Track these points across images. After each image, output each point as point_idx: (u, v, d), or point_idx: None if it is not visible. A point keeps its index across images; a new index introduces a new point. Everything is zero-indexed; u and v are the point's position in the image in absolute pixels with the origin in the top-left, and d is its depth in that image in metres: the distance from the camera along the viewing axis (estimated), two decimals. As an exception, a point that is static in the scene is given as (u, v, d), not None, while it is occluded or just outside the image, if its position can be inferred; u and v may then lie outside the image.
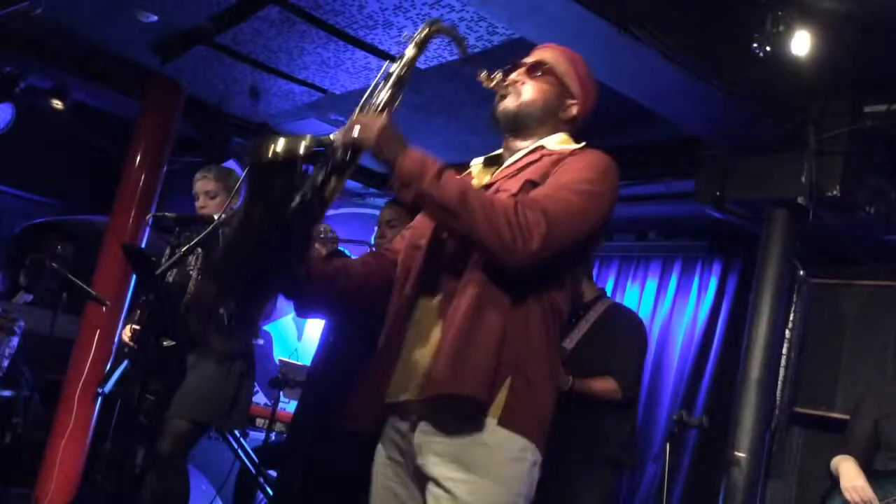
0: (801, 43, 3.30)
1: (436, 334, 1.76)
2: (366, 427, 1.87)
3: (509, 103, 1.98)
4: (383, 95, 1.83)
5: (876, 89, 3.85)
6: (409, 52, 1.90)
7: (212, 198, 3.70)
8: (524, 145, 1.97)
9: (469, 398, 1.67)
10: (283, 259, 1.74)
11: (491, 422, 1.70)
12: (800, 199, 3.95)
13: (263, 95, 5.28)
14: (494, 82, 1.99)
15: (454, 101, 4.70)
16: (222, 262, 1.81)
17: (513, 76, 2.00)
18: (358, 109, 1.82)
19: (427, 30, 1.93)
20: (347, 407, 1.90)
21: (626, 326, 3.87)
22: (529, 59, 2.03)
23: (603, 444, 3.66)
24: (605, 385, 3.66)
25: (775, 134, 3.93)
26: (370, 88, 1.84)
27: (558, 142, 1.97)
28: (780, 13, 3.22)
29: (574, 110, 2.03)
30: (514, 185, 1.83)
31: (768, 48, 3.23)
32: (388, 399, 1.80)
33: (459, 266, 1.79)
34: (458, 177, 1.76)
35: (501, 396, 1.70)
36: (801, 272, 4.92)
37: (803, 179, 3.92)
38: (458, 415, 1.71)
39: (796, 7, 3.30)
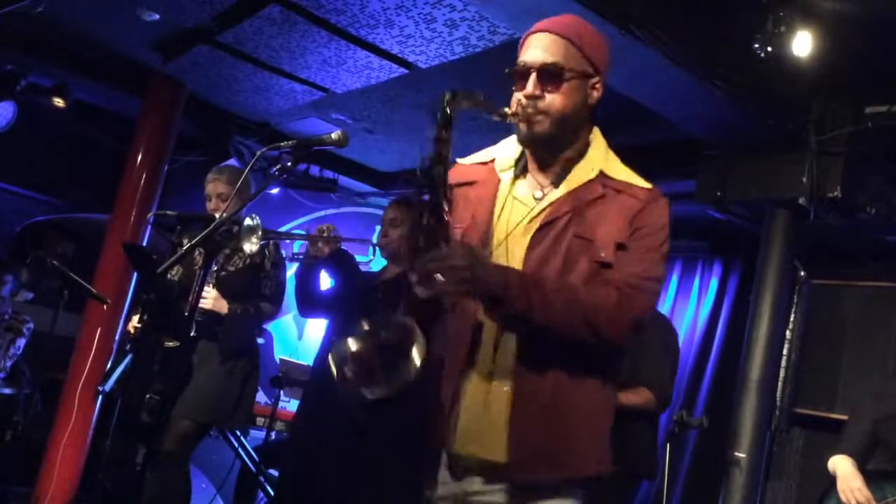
0: (803, 44, 3.31)
1: (533, 398, 1.70)
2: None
3: (541, 128, 1.77)
4: (433, 212, 1.63)
5: (877, 90, 3.85)
6: (440, 147, 1.71)
7: (224, 200, 3.67)
8: (567, 158, 1.82)
9: (600, 478, 1.76)
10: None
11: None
12: (801, 200, 3.95)
13: (265, 94, 5.28)
14: (513, 111, 1.78)
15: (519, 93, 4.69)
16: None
17: (530, 91, 1.77)
18: (409, 238, 1.67)
19: (446, 109, 1.74)
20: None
21: (658, 333, 3.75)
22: (536, 61, 1.78)
23: (623, 453, 3.56)
24: (640, 398, 3.53)
25: (776, 134, 3.94)
26: (416, 213, 1.66)
27: (608, 157, 1.85)
28: (781, 14, 3.22)
29: (598, 88, 1.83)
30: (591, 231, 1.74)
31: (769, 49, 3.23)
32: (479, 454, 1.72)
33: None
34: (559, 292, 1.67)
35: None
36: (802, 273, 4.93)
37: (804, 180, 3.92)
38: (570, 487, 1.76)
39: (797, 8, 3.31)
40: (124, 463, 4.64)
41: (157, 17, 4.40)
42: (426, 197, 1.64)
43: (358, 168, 6.55)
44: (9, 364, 5.15)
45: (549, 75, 1.76)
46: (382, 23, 3.93)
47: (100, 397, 4.84)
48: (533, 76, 1.77)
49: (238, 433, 4.75)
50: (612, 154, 1.88)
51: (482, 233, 1.80)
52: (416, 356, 1.58)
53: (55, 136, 6.17)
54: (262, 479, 4.56)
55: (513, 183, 1.86)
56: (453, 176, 1.93)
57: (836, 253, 4.90)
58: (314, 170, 6.59)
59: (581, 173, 1.81)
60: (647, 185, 1.83)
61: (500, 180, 1.87)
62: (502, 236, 1.79)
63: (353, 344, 1.65)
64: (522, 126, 1.78)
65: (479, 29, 3.75)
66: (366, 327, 1.66)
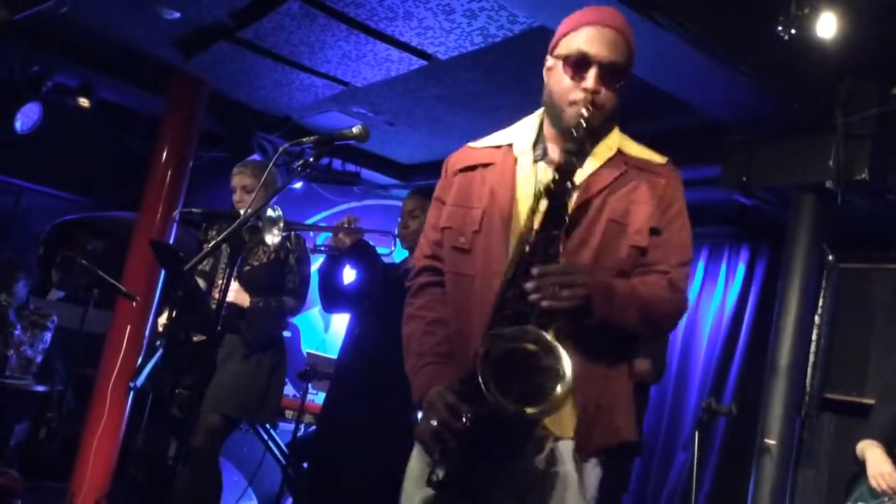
0: (827, 25, 3.26)
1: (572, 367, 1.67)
2: None
3: (596, 122, 1.76)
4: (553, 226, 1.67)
5: (904, 70, 3.79)
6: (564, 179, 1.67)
7: (248, 192, 3.74)
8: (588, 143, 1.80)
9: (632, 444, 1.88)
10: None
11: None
12: (828, 184, 3.90)
13: (286, 89, 5.30)
14: (587, 116, 1.74)
15: (475, 91, 4.69)
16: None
17: (592, 85, 1.77)
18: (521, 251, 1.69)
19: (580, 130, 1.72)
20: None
21: None
22: (601, 56, 1.77)
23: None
24: (642, 366, 3.57)
25: (802, 118, 3.89)
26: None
27: (625, 140, 1.89)
28: (805, -5, 3.18)
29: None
30: (622, 214, 1.77)
31: (793, 31, 3.18)
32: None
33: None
34: (622, 293, 1.73)
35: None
36: (830, 257, 4.87)
37: (831, 163, 3.87)
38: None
39: (822, -12, 3.26)
40: (156, 457, 4.70)
41: (177, 15, 4.43)
42: (548, 204, 1.67)
43: (380, 160, 6.57)
44: (39, 359, 5.22)
45: (612, 74, 1.79)
46: (401, 15, 3.93)
47: (131, 393, 4.91)
48: (594, 70, 1.78)
49: (268, 426, 4.79)
50: (625, 136, 1.92)
51: (504, 215, 1.81)
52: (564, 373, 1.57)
53: (81, 136, 6.24)
54: (290, 471, 4.59)
55: (534, 165, 1.87)
56: (462, 158, 1.99)
57: (865, 236, 4.83)
58: (336, 163, 6.62)
59: (600, 153, 1.84)
60: (663, 160, 1.89)
61: (516, 162, 1.88)
62: (531, 221, 1.74)
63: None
64: (572, 118, 1.76)
65: (497, 18, 3.74)
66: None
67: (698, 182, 5.05)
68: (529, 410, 1.56)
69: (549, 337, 1.59)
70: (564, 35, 1.86)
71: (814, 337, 4.76)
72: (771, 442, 3.96)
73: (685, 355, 5.63)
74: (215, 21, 4.47)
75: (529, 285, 1.62)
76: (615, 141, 1.87)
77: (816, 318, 4.78)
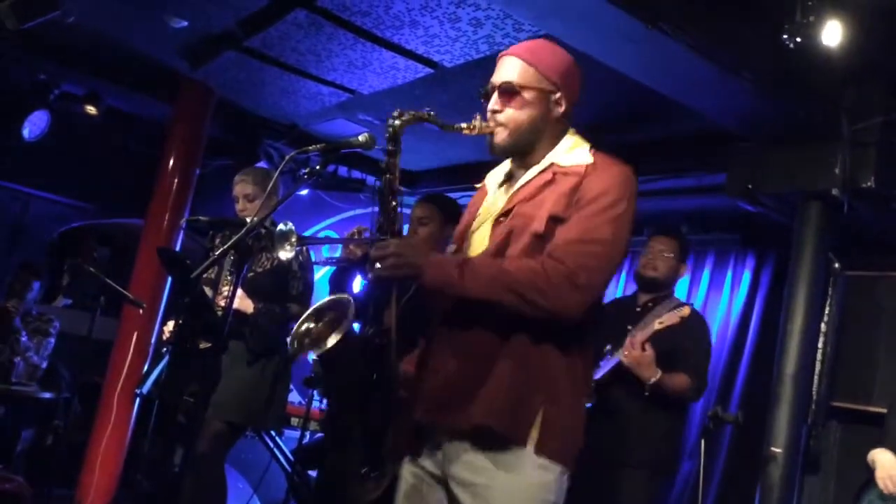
0: (832, 32, 3.26)
1: (458, 363, 1.87)
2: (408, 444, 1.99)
3: (499, 139, 1.98)
4: (385, 214, 1.95)
5: (910, 78, 3.79)
6: (389, 159, 1.99)
7: (250, 200, 3.76)
8: (533, 162, 1.98)
9: (499, 434, 1.79)
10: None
11: (529, 448, 1.80)
12: (834, 191, 3.90)
13: (292, 97, 5.32)
14: (477, 129, 1.99)
15: (480, 98, 4.69)
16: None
17: (491, 106, 1.99)
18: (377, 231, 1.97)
19: (393, 128, 2.02)
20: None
21: (700, 331, 3.69)
22: (497, 81, 2.00)
23: (649, 447, 3.48)
24: (681, 381, 3.47)
25: (807, 125, 3.89)
26: (377, 211, 1.99)
27: (567, 150, 1.97)
28: (809, 3, 3.18)
29: (563, 103, 1.99)
30: (534, 212, 1.88)
31: (798, 38, 3.18)
32: (426, 420, 1.91)
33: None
34: (480, 266, 1.82)
35: (535, 430, 1.81)
36: (836, 264, 4.86)
37: (837, 171, 3.87)
38: (490, 441, 1.81)
39: (826, -4, 3.26)
40: (162, 464, 4.71)
41: (185, 24, 4.45)
42: (383, 200, 1.97)
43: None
44: (45, 364, 5.24)
45: (507, 92, 1.97)
46: (407, 23, 3.94)
47: (137, 399, 4.92)
48: (495, 94, 2.00)
49: (273, 433, 4.79)
50: (578, 150, 1.99)
51: (464, 237, 2.05)
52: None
53: (88, 144, 6.27)
54: (296, 479, 4.59)
55: (499, 188, 2.08)
56: (475, 197, 2.20)
57: (871, 244, 4.82)
58: (342, 170, 6.63)
59: (535, 169, 1.98)
60: (590, 161, 1.94)
61: (486, 192, 2.10)
62: (474, 234, 2.02)
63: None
64: (488, 138, 1.99)
65: (503, 27, 3.75)
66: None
67: (704, 189, 5.06)
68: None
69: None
70: None
71: (820, 345, 4.75)
72: (777, 450, 3.95)
73: (691, 363, 5.62)
74: (222, 30, 4.49)
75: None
76: (553, 156, 1.97)
77: (823, 326, 4.77)
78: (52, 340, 5.32)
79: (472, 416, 1.79)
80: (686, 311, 3.51)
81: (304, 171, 2.44)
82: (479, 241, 1.98)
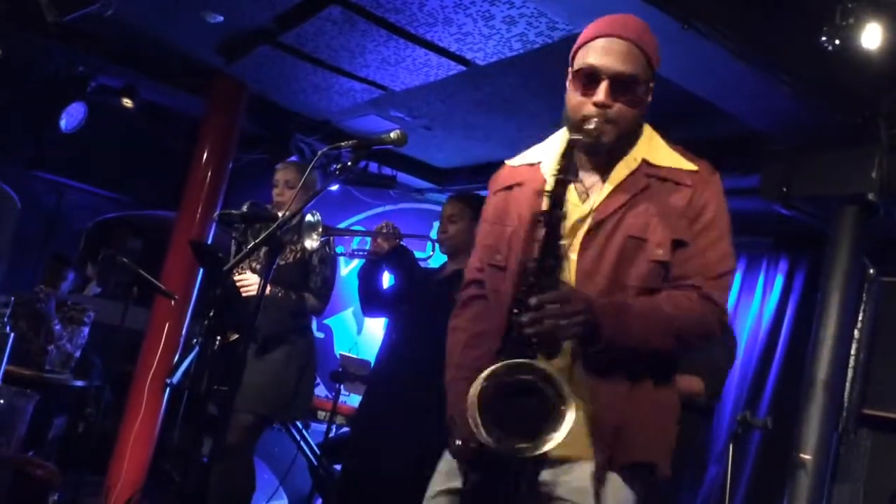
0: (872, 36, 3.21)
1: (590, 389, 1.72)
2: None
3: (606, 138, 1.75)
4: (551, 251, 1.68)
5: (950, 82, 3.72)
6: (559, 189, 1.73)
7: (290, 187, 3.80)
8: (612, 158, 1.80)
9: (659, 469, 1.76)
10: None
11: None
12: (870, 196, 3.84)
13: (325, 93, 5.35)
14: (574, 116, 1.77)
15: (514, 96, 4.69)
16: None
17: (602, 99, 1.74)
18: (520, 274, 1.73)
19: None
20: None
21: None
22: (611, 68, 1.74)
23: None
24: (690, 384, 3.45)
25: (844, 128, 3.83)
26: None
27: (651, 144, 1.83)
28: (849, 5, 3.13)
29: (652, 89, 1.82)
30: (642, 231, 1.72)
31: (837, 41, 3.14)
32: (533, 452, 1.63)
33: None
34: (643, 312, 1.69)
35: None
36: (871, 270, 4.79)
37: (873, 175, 3.81)
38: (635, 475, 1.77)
39: (867, -1, 3.21)
40: (191, 454, 4.76)
41: (220, 19, 4.49)
42: (545, 233, 1.69)
43: (416, 164, 6.59)
44: (78, 353, 5.31)
45: (623, 86, 1.75)
46: (441, 21, 3.94)
47: (167, 389, 4.98)
48: (605, 84, 1.75)
49: (300, 426, 4.83)
50: (657, 140, 1.86)
51: (527, 236, 1.80)
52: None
53: (124, 136, 6.35)
54: (321, 472, 4.63)
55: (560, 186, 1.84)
56: (501, 178, 1.99)
57: (907, 250, 4.75)
58: (373, 166, 6.66)
59: (624, 167, 1.79)
60: (693, 167, 1.80)
61: (544, 181, 1.84)
62: (532, 248, 1.77)
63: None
64: (587, 135, 1.74)
65: (537, 25, 3.74)
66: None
67: (737, 192, 5.00)
68: (520, 447, 1.57)
69: (549, 369, 1.57)
70: (579, 48, 1.82)
71: (853, 351, 4.68)
72: (806, 457, 3.90)
73: (720, 366, 5.57)
74: (257, 25, 4.52)
75: (524, 318, 1.60)
76: (641, 152, 1.81)
77: (856, 333, 4.70)
78: (86, 330, 5.39)
79: (644, 451, 1.76)
80: None
81: (335, 166, 2.46)
82: (567, 251, 1.76)
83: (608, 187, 1.78)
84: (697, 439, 3.68)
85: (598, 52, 1.76)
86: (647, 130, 1.87)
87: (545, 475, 1.73)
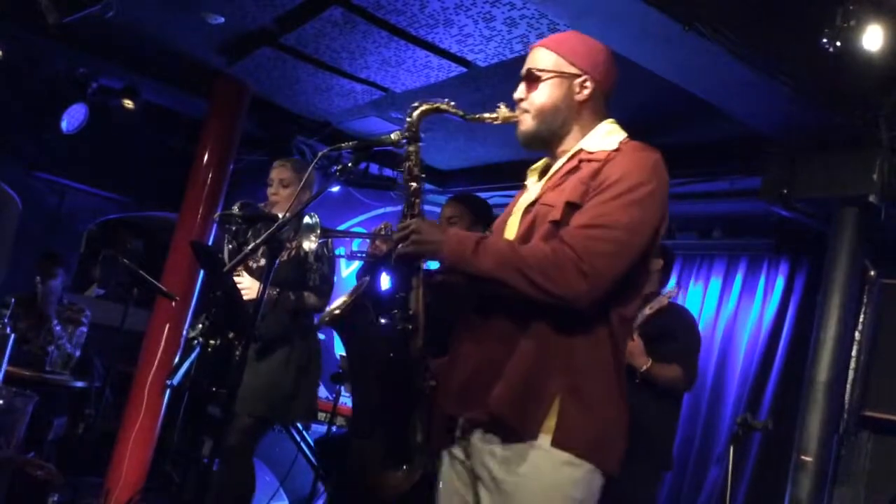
0: (874, 37, 3.20)
1: (479, 354, 1.87)
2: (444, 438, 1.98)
3: (523, 126, 2.01)
4: (406, 200, 2.02)
5: (952, 84, 3.71)
6: (409, 147, 2.07)
7: (285, 186, 3.78)
8: (565, 151, 1.99)
9: (510, 425, 1.76)
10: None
11: (544, 440, 1.76)
12: (870, 198, 3.83)
13: (326, 94, 5.35)
14: (501, 117, 2.04)
15: (513, 98, 4.68)
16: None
17: (517, 95, 2.02)
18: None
19: (412, 118, 2.07)
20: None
21: (685, 321, 3.80)
22: (523, 70, 2.03)
23: (647, 437, 3.42)
24: (674, 372, 3.55)
25: (845, 130, 3.83)
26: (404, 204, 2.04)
27: (600, 137, 1.95)
28: (850, 7, 3.12)
29: (589, 86, 1.97)
30: (555, 199, 1.86)
31: (838, 43, 3.14)
32: (451, 412, 1.92)
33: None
34: (494, 245, 1.82)
35: (552, 420, 1.76)
36: (872, 272, 4.78)
37: (874, 177, 3.80)
38: (507, 433, 1.79)
39: (868, 1, 3.21)
40: (191, 455, 4.76)
41: (221, 20, 4.50)
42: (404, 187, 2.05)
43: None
44: (78, 353, 5.31)
45: (530, 79, 2.01)
46: (441, 22, 3.94)
47: (167, 391, 4.98)
48: (521, 84, 2.03)
49: (300, 427, 4.82)
50: (602, 132, 1.96)
51: (501, 229, 2.02)
52: None
53: (125, 137, 6.35)
54: (321, 472, 4.62)
55: (537, 182, 2.06)
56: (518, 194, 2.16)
57: (908, 252, 4.74)
58: (373, 168, 6.66)
59: (563, 158, 1.96)
60: (615, 147, 1.89)
61: (526, 187, 2.09)
62: (509, 227, 2.00)
63: None
64: (517, 129, 2.03)
65: (538, 27, 3.74)
66: None
67: (738, 193, 5.01)
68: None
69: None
70: None
71: (853, 353, 4.68)
72: (807, 459, 3.90)
73: (721, 368, 5.57)
74: (259, 26, 4.53)
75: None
76: (582, 142, 1.96)
77: (857, 335, 4.70)
78: (85, 329, 5.39)
79: (487, 407, 1.77)
80: (673, 294, 3.68)
81: (335, 167, 2.46)
82: (509, 232, 1.97)
83: (549, 174, 1.98)
84: (675, 426, 3.72)
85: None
86: (608, 128, 1.98)
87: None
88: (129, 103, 5.73)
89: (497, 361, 1.80)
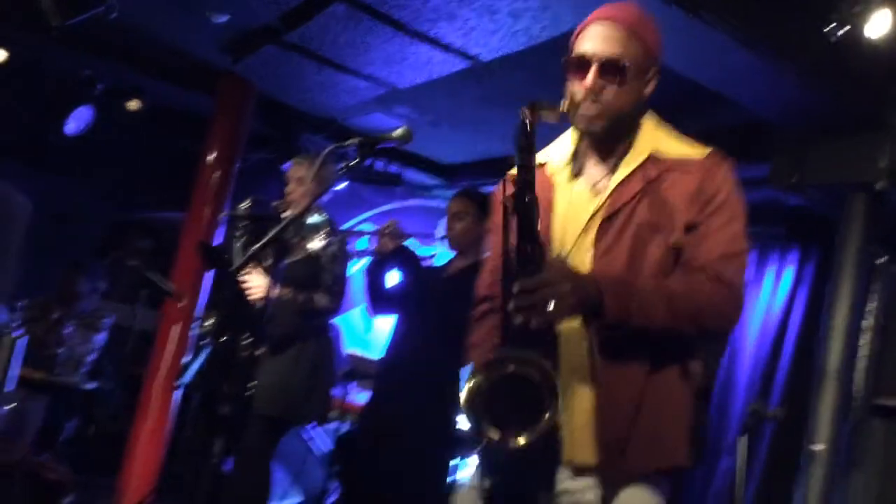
0: (881, 23, 3.18)
1: (607, 398, 1.69)
2: None
3: (595, 125, 1.74)
4: (528, 236, 1.61)
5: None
6: (525, 165, 1.64)
7: (301, 184, 3.76)
8: (616, 149, 1.79)
9: (685, 468, 1.74)
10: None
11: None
12: (879, 184, 3.81)
13: (330, 91, 5.34)
14: (569, 104, 1.73)
15: (520, 91, 4.67)
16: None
17: (590, 83, 1.71)
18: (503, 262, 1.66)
19: (526, 122, 1.64)
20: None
21: None
22: (598, 53, 1.72)
23: None
24: (692, 368, 3.54)
25: (852, 116, 3.81)
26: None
27: (655, 135, 1.81)
28: (857, -8, 3.10)
29: (655, 78, 1.80)
30: (656, 217, 1.71)
31: (846, 28, 3.11)
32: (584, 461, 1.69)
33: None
34: (657, 291, 1.66)
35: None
36: (882, 259, 4.75)
37: (883, 163, 3.78)
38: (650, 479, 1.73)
39: (875, -15, 3.18)
40: (202, 455, 4.77)
41: (226, 19, 4.49)
42: (517, 220, 1.61)
43: (422, 161, 6.58)
44: (91, 357, 5.31)
45: (611, 70, 1.72)
46: (445, 16, 3.93)
47: (178, 391, 4.99)
48: (594, 69, 1.72)
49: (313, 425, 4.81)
50: (664, 130, 1.84)
51: (544, 235, 1.75)
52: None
53: (131, 138, 6.36)
54: (334, 469, 4.62)
55: (570, 181, 1.84)
56: (506, 188, 1.90)
57: (918, 238, 4.71)
58: (379, 164, 6.65)
59: (632, 160, 1.78)
60: (699, 156, 1.79)
61: (554, 182, 1.84)
62: (566, 236, 1.77)
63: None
64: (579, 121, 1.75)
65: (542, 19, 3.72)
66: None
67: (747, 181, 4.93)
68: (520, 440, 1.50)
69: (523, 354, 1.53)
70: (575, 38, 1.82)
71: (864, 341, 4.65)
72: (819, 447, 3.89)
73: (731, 357, 5.54)
74: (263, 24, 4.52)
75: (510, 305, 1.54)
76: (647, 144, 1.79)
77: (867, 322, 4.68)
78: (103, 336, 5.37)
79: (668, 459, 1.73)
80: None
81: (340, 165, 2.45)
82: (584, 246, 1.74)
83: (618, 178, 1.76)
84: (706, 423, 3.70)
85: (590, 38, 1.75)
86: (653, 121, 1.86)
87: (563, 483, 1.71)
88: (134, 104, 5.73)
89: (639, 405, 1.69)
